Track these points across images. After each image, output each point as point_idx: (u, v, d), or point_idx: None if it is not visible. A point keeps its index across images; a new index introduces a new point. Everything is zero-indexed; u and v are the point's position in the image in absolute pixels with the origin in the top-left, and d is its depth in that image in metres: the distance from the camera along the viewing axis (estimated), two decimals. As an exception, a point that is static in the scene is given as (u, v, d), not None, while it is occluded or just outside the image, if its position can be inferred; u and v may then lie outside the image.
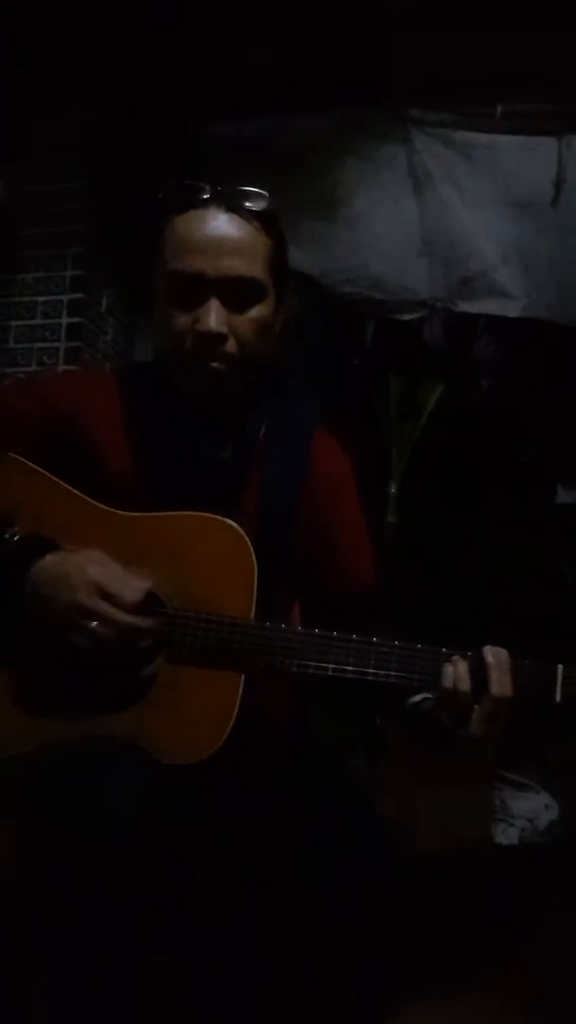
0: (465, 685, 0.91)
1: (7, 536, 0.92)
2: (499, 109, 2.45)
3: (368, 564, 1.11)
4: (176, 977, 0.84)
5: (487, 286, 2.53)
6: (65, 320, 2.51)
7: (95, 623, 0.89)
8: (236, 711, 0.91)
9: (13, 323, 2.55)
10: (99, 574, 0.90)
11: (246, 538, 0.96)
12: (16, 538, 0.92)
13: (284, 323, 1.06)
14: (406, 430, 2.92)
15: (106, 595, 0.89)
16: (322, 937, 0.84)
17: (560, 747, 2.28)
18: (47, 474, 0.99)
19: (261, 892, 0.88)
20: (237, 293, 0.97)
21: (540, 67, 2.30)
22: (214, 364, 0.98)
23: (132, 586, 0.90)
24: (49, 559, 0.92)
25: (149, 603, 0.92)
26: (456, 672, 0.91)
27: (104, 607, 0.89)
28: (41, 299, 2.53)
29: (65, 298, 2.51)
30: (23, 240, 2.55)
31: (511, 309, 2.52)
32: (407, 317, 2.62)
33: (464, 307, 2.56)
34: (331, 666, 0.94)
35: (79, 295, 2.51)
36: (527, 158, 2.45)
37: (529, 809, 2.24)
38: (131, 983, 0.78)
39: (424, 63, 2.37)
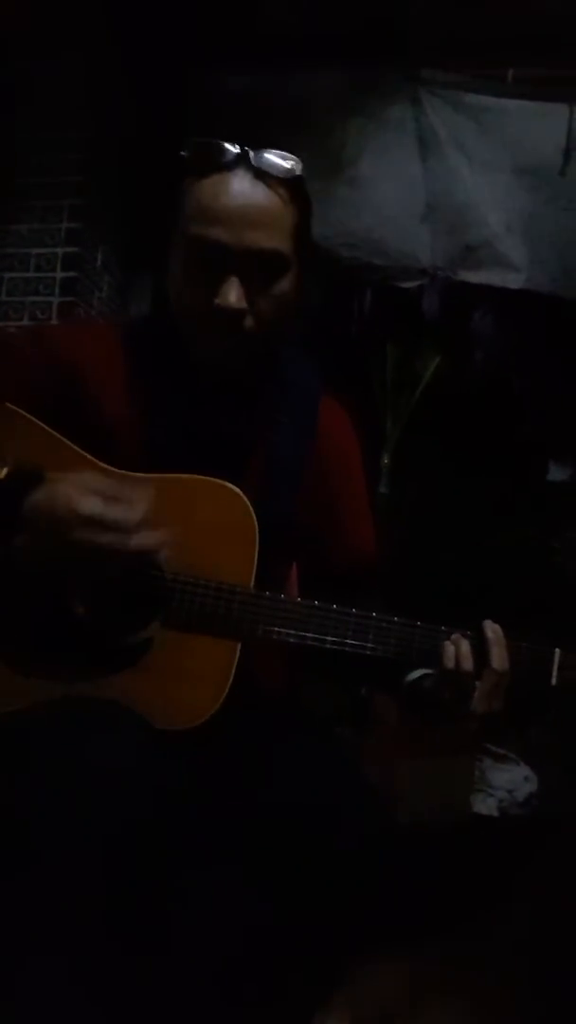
0: (468, 664, 0.91)
1: None
2: (511, 73, 2.40)
3: (370, 534, 1.10)
4: (164, 942, 0.84)
5: (490, 256, 2.49)
6: (59, 274, 2.45)
7: (99, 556, 0.83)
8: (232, 678, 0.91)
9: (5, 275, 2.48)
10: (91, 505, 0.82)
11: (249, 505, 0.94)
12: (3, 473, 0.85)
13: (301, 291, 1.02)
14: (401, 400, 2.90)
15: (105, 527, 0.82)
16: (306, 899, 0.84)
17: (541, 722, 2.31)
18: (45, 427, 0.96)
19: (250, 857, 0.88)
20: (260, 267, 0.92)
21: (554, 32, 2.25)
22: (230, 340, 0.94)
23: (126, 514, 0.82)
24: (37, 496, 0.84)
25: (149, 520, 0.84)
26: (459, 651, 0.91)
27: (102, 539, 0.82)
28: (35, 251, 2.46)
29: (60, 251, 2.45)
30: (18, 189, 2.47)
31: (513, 280, 2.50)
32: (407, 285, 2.59)
33: (466, 276, 2.53)
34: (329, 638, 0.93)
35: (75, 249, 2.45)
36: (537, 125, 2.41)
37: (508, 780, 2.27)
38: (118, 950, 0.78)
39: (437, 23, 2.32)
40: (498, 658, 0.91)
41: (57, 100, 2.43)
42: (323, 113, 2.47)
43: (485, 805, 2.23)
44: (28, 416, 0.96)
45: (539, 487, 2.93)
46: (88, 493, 0.83)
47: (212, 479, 0.95)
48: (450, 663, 0.91)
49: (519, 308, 2.60)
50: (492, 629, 0.93)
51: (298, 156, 0.94)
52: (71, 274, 2.45)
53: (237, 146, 0.92)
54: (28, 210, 2.47)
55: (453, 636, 0.93)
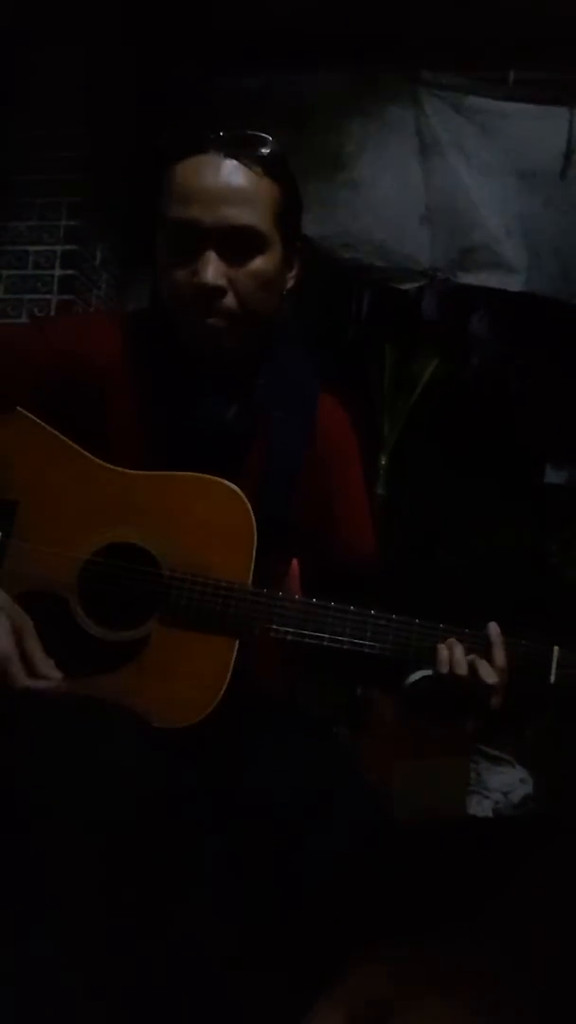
0: (462, 667, 0.91)
1: None
2: (512, 76, 2.40)
3: (369, 531, 1.10)
4: (162, 939, 0.84)
5: (489, 258, 2.49)
6: (58, 272, 2.44)
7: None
8: (229, 676, 0.90)
9: (3, 272, 2.47)
10: (2, 651, 0.86)
11: (247, 502, 0.94)
12: None
13: (295, 282, 1.02)
14: (399, 402, 2.90)
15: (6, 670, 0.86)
16: (302, 896, 0.84)
17: (538, 723, 2.31)
18: (51, 430, 0.96)
19: (247, 854, 0.88)
20: (236, 244, 0.93)
21: (555, 35, 2.25)
22: (211, 319, 0.94)
23: (22, 679, 0.86)
24: None
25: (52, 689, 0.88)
26: (452, 655, 0.92)
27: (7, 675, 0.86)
28: (33, 249, 2.45)
29: (59, 249, 2.44)
30: (16, 186, 2.47)
31: (512, 283, 2.49)
32: (407, 286, 2.58)
33: (465, 279, 2.52)
34: (327, 635, 0.93)
35: (73, 247, 2.44)
36: (538, 128, 2.41)
37: (504, 782, 2.27)
38: (117, 946, 0.77)
39: (438, 24, 2.32)
40: (499, 657, 0.92)
41: (57, 98, 2.42)
42: (323, 114, 2.46)
43: (480, 807, 2.23)
44: (35, 420, 0.96)
45: (536, 489, 2.94)
46: (10, 637, 0.86)
47: (209, 477, 0.95)
48: (444, 667, 0.91)
49: (518, 311, 2.60)
50: (491, 628, 0.94)
51: (298, 157, 0.95)
52: (69, 272, 2.44)
53: (212, 130, 0.93)
54: (27, 207, 2.46)
55: (448, 640, 0.93)
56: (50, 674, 0.87)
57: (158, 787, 0.82)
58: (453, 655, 0.92)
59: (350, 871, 0.86)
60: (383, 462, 2.83)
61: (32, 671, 0.86)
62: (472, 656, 0.93)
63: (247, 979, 0.82)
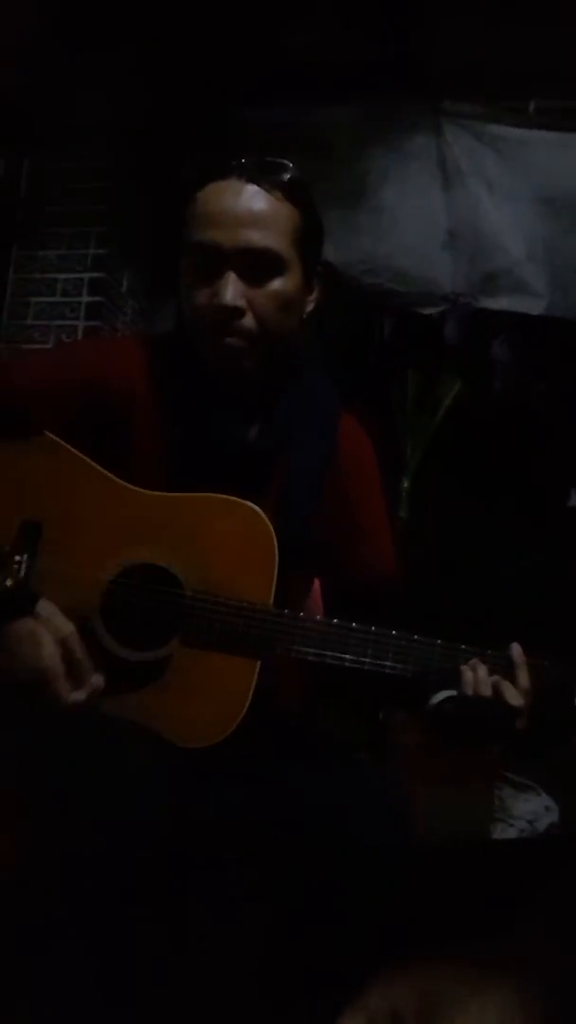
0: (486, 688, 0.91)
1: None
2: (532, 104, 2.43)
3: (389, 550, 1.11)
4: (184, 959, 0.84)
5: (511, 283, 2.50)
6: (85, 299, 2.50)
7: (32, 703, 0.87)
8: (251, 697, 0.91)
9: (32, 299, 2.54)
10: (48, 666, 0.86)
11: (268, 523, 0.95)
12: (7, 583, 0.88)
13: (315, 305, 1.04)
14: (422, 426, 2.91)
15: (47, 688, 0.86)
16: (322, 914, 0.83)
17: (563, 748, 2.27)
18: (75, 452, 0.98)
19: (268, 878, 0.88)
20: (255, 266, 0.95)
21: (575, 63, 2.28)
22: (230, 339, 0.96)
23: (70, 695, 0.87)
24: (18, 626, 0.87)
25: (97, 696, 0.89)
26: (476, 676, 0.92)
27: (40, 697, 0.86)
28: (62, 276, 2.52)
29: (86, 276, 2.50)
30: (46, 217, 2.53)
31: (534, 307, 2.50)
32: (429, 311, 2.60)
33: (487, 303, 2.53)
34: (348, 656, 0.93)
35: (100, 274, 2.50)
36: (558, 155, 2.42)
37: (529, 810, 2.23)
38: (139, 966, 0.77)
39: (458, 55, 2.35)
40: (521, 678, 0.92)
41: (84, 132, 2.49)
42: (346, 144, 2.50)
43: (505, 835, 2.19)
44: (62, 443, 0.98)
45: (559, 513, 2.92)
46: (56, 648, 0.86)
47: (231, 497, 0.95)
48: (468, 688, 0.91)
49: (540, 334, 2.60)
50: (513, 648, 0.94)
51: (321, 185, 0.97)
52: (96, 299, 2.50)
53: (231, 158, 0.96)
54: (56, 237, 2.53)
55: (471, 661, 0.92)
56: (96, 684, 0.87)
57: (178, 806, 0.82)
58: (477, 676, 0.92)
59: (371, 893, 0.85)
60: (406, 485, 2.82)
61: (79, 681, 0.87)
62: (496, 677, 0.92)
63: (267, 996, 0.81)
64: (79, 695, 0.86)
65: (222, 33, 2.30)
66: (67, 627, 0.88)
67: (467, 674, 0.92)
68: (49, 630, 0.87)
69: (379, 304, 2.70)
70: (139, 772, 0.81)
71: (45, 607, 0.89)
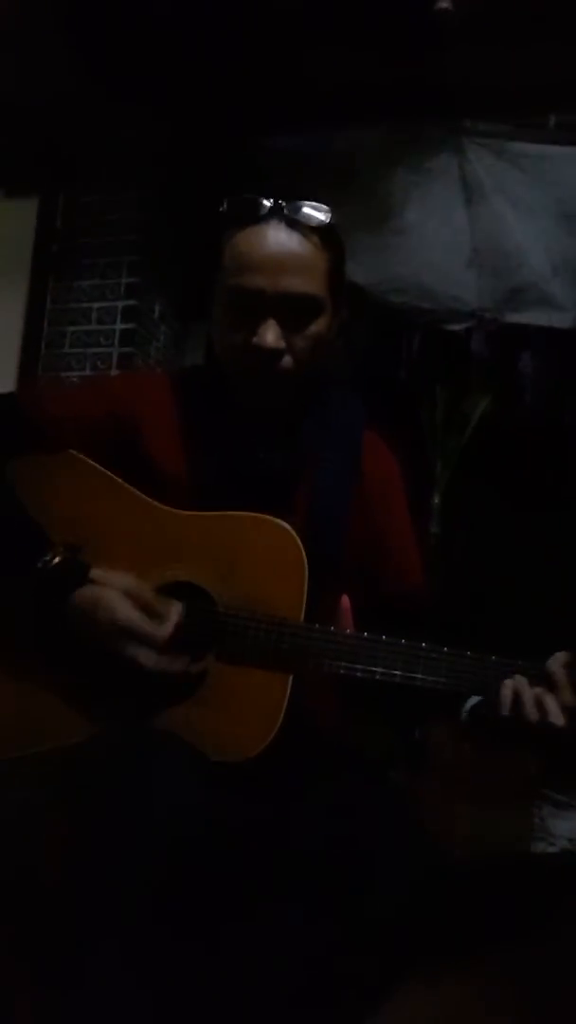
0: (531, 704, 0.91)
1: (46, 559, 0.94)
2: (552, 119, 2.44)
3: (417, 562, 1.12)
4: (212, 971, 0.85)
5: (537, 297, 2.51)
6: (119, 326, 2.56)
7: (129, 661, 0.91)
8: (284, 712, 0.92)
9: (69, 328, 2.61)
10: (127, 618, 0.91)
11: (298, 539, 0.97)
12: (56, 560, 0.94)
13: (340, 323, 1.07)
14: (451, 441, 2.91)
15: (135, 637, 0.91)
16: (348, 934, 0.83)
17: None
18: (106, 471, 1.01)
19: (297, 894, 0.88)
20: (295, 311, 0.98)
21: (596, 78, 2.29)
22: (268, 379, 0.99)
23: (156, 631, 0.92)
24: (82, 594, 0.93)
25: (180, 632, 0.93)
26: (517, 687, 0.92)
27: (132, 651, 0.91)
28: (96, 305, 2.59)
29: (119, 304, 2.57)
30: (80, 248, 2.61)
31: (561, 320, 2.50)
32: (455, 327, 2.62)
33: (513, 318, 2.54)
34: (379, 669, 0.94)
35: (133, 302, 2.56)
36: (580, 169, 2.43)
37: (570, 829, 2.19)
38: (173, 978, 0.79)
39: (478, 73, 2.37)
40: (565, 688, 0.92)
41: (115, 166, 2.57)
42: (369, 166, 2.54)
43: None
44: (90, 461, 1.02)
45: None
46: (126, 602, 0.92)
47: (261, 515, 0.98)
48: (506, 708, 0.91)
49: (567, 347, 2.60)
50: (555, 659, 0.94)
51: (346, 208, 1.00)
52: (130, 326, 2.56)
53: (271, 199, 0.98)
54: (90, 267, 2.61)
55: (516, 677, 0.93)
56: (177, 611, 0.93)
57: (211, 820, 0.84)
58: (518, 686, 0.92)
59: (395, 915, 0.85)
60: (436, 501, 2.82)
61: (161, 618, 0.92)
62: (538, 689, 0.92)
63: (294, 1009, 0.82)
64: (166, 629, 0.92)
65: (245, 63, 2.36)
66: (126, 579, 0.93)
67: (507, 688, 0.92)
68: (113, 587, 0.92)
69: (406, 322, 2.73)
70: (183, 786, 0.83)
71: (96, 572, 0.94)
